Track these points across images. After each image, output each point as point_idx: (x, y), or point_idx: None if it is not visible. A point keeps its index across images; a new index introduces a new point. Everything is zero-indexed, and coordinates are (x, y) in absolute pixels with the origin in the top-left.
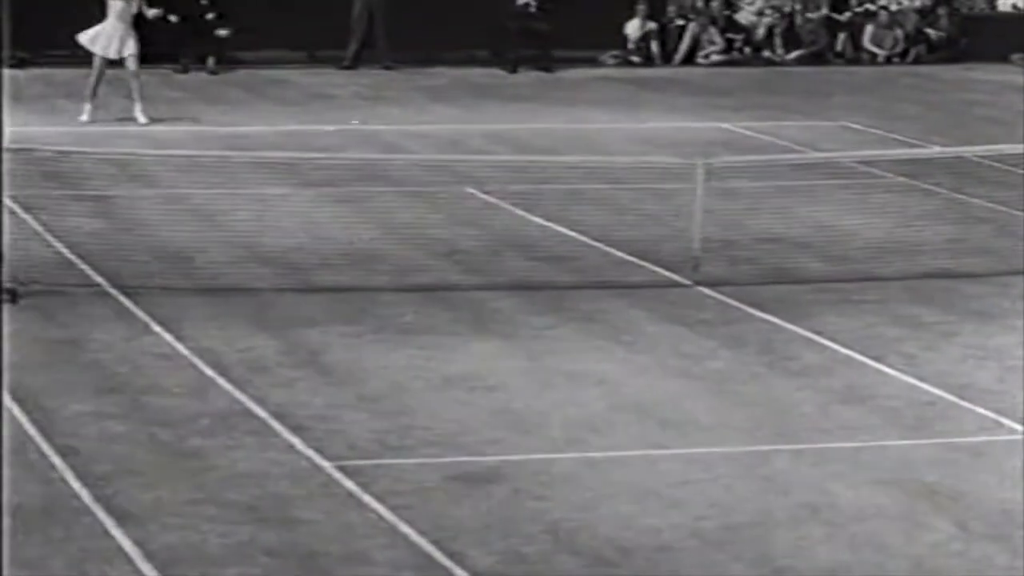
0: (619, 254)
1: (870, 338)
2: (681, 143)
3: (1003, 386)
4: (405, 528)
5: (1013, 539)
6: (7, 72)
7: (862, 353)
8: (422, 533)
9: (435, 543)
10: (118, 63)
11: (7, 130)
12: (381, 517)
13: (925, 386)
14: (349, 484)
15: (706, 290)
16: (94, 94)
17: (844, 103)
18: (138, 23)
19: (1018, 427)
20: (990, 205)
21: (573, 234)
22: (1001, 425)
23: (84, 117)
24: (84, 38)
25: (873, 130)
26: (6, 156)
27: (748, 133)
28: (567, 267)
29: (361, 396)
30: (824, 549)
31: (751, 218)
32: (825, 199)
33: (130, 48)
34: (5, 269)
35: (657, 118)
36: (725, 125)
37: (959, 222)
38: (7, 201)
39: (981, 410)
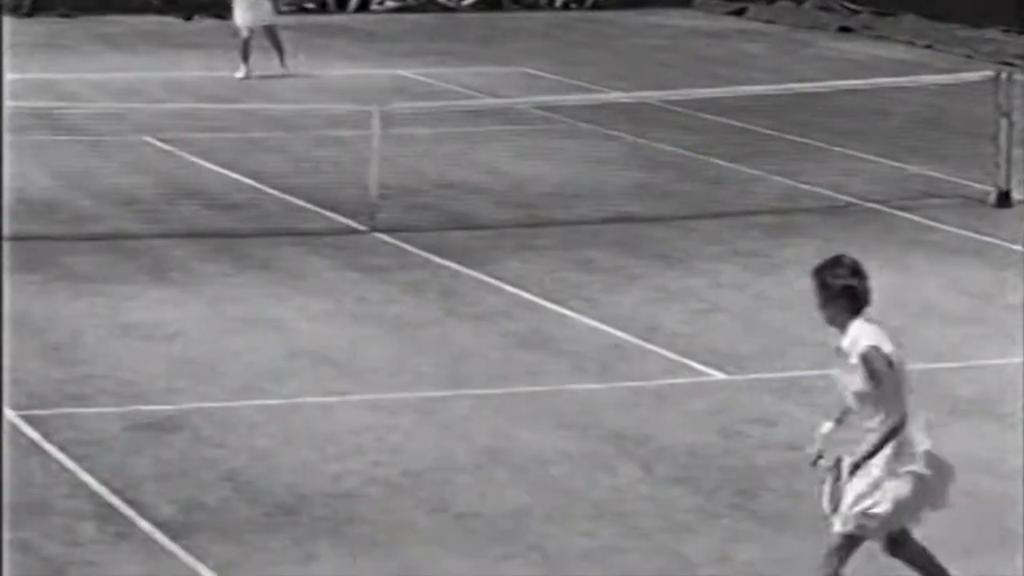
0: (296, 201)
1: (552, 282)
2: (356, 90)
3: (688, 328)
4: (86, 477)
5: (698, 481)
6: None
7: (544, 297)
8: (103, 482)
9: (116, 492)
10: None
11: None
12: (63, 467)
13: (609, 329)
14: (32, 433)
15: (384, 236)
16: None
17: (522, 49)
18: None
19: (703, 369)
20: (672, 149)
21: (250, 182)
22: (686, 367)
23: None
24: None
25: (553, 76)
26: None
27: (424, 80)
28: (244, 215)
29: (42, 345)
30: (506, 493)
31: (429, 165)
32: (504, 145)
33: None
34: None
35: (332, 65)
36: (400, 72)
37: (642, 167)
38: None
39: (666, 352)
